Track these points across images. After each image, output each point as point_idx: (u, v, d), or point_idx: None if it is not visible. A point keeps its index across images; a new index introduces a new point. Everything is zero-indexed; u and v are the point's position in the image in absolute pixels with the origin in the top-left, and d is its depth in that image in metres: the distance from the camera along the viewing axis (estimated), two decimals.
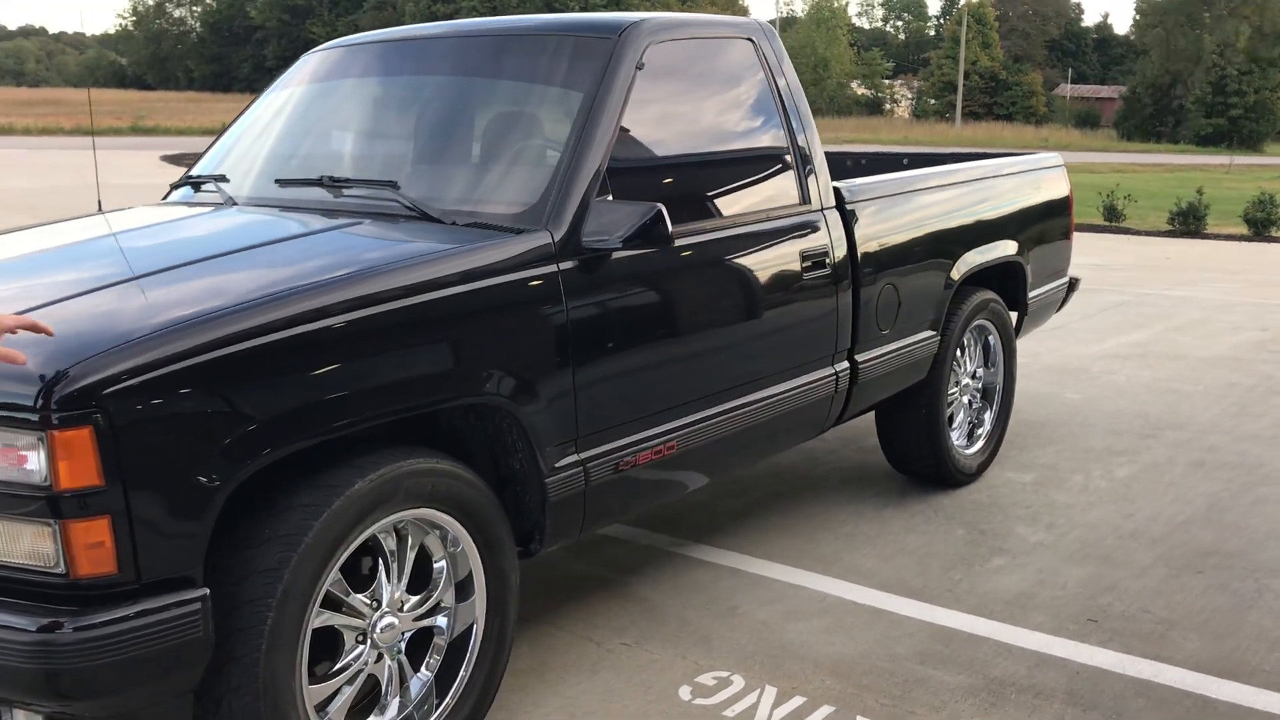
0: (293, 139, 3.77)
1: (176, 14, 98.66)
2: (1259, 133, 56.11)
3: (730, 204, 3.61)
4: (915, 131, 52.60)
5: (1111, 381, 6.87)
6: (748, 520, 4.63)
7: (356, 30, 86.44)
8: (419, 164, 3.49)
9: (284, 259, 2.83)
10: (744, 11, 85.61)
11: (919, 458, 4.82)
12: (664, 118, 3.51)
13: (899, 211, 4.37)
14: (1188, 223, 15.61)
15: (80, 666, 2.20)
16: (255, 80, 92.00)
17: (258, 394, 2.37)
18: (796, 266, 3.77)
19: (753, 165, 3.78)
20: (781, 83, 3.90)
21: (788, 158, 3.86)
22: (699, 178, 3.59)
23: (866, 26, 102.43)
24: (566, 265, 3.03)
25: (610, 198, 3.16)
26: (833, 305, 3.96)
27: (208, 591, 2.32)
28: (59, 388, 2.16)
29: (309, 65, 4.07)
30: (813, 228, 3.88)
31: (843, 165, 6.13)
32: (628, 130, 3.31)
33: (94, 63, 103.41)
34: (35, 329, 2.23)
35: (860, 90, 75.06)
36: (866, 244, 4.12)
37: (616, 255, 3.14)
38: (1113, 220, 16.13)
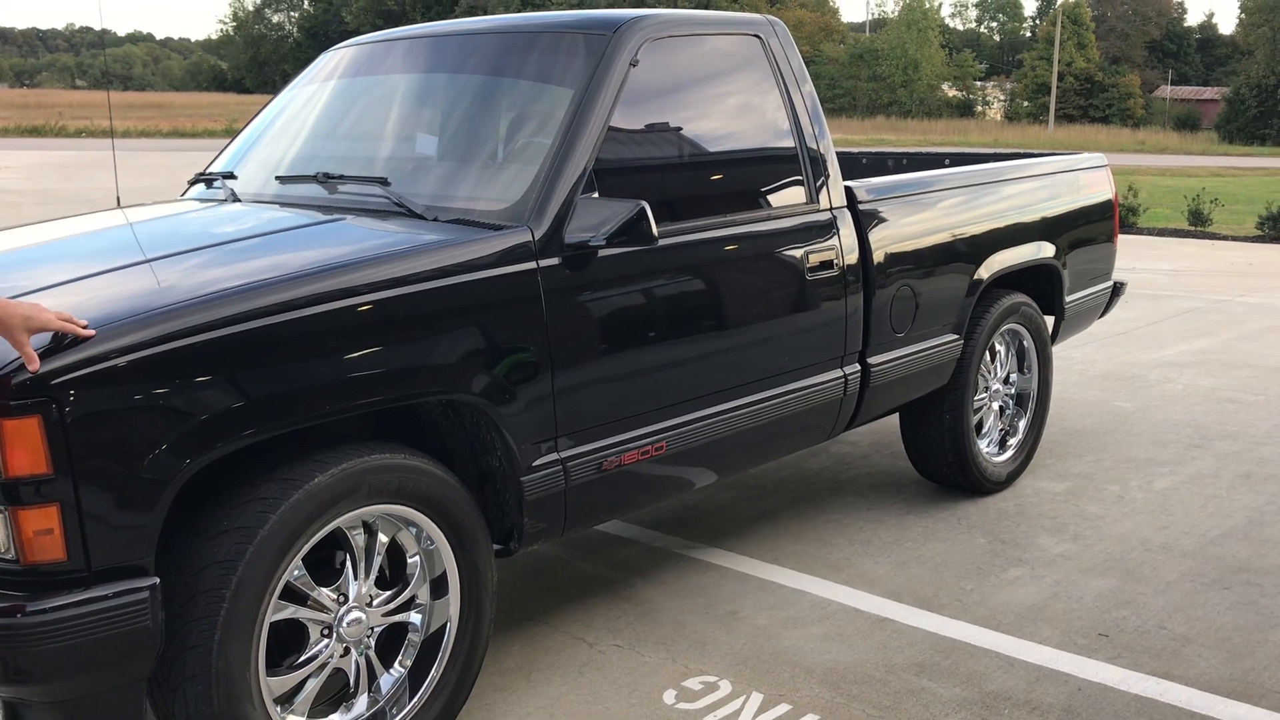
0: (297, 136, 3.81)
1: (275, 19, 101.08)
2: None
3: (728, 203, 3.55)
4: (1007, 134, 51.57)
5: (1167, 390, 6.65)
6: (764, 524, 4.56)
7: None
8: (411, 160, 3.51)
9: (252, 253, 2.85)
10: (834, 13, 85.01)
11: (943, 464, 4.71)
12: (661, 115, 3.47)
13: (916, 211, 4.27)
14: (1278, 228, 15.05)
15: (28, 651, 2.24)
16: None
17: (208, 388, 2.39)
18: (799, 266, 3.71)
19: (754, 164, 3.72)
20: (790, 81, 3.84)
21: (794, 157, 3.79)
22: (695, 176, 3.54)
23: (960, 28, 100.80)
24: (548, 263, 3.01)
25: (596, 195, 3.14)
26: (841, 306, 3.88)
27: (157, 581, 2.35)
28: (8, 377, 2.20)
29: (319, 65, 4.12)
30: (820, 228, 3.81)
31: (884, 165, 6.04)
32: (620, 128, 3.28)
33: (196, 67, 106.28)
34: (74, 329, 2.27)
35: (951, 92, 73.92)
36: (880, 244, 4.04)
37: (604, 254, 3.12)
38: (1198, 225, 15.64)
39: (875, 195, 4.08)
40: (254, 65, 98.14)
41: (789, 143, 3.79)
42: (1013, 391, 5.03)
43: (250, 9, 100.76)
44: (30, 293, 2.55)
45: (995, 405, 4.92)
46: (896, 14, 76.71)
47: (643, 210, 3.01)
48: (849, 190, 3.98)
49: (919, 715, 3.14)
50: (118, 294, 2.54)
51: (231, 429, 2.42)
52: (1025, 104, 67.00)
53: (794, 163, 3.79)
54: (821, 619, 3.74)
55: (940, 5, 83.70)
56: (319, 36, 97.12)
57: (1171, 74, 76.44)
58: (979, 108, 74.34)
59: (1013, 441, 5.02)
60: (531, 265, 2.98)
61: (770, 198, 3.70)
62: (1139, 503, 4.79)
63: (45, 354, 2.24)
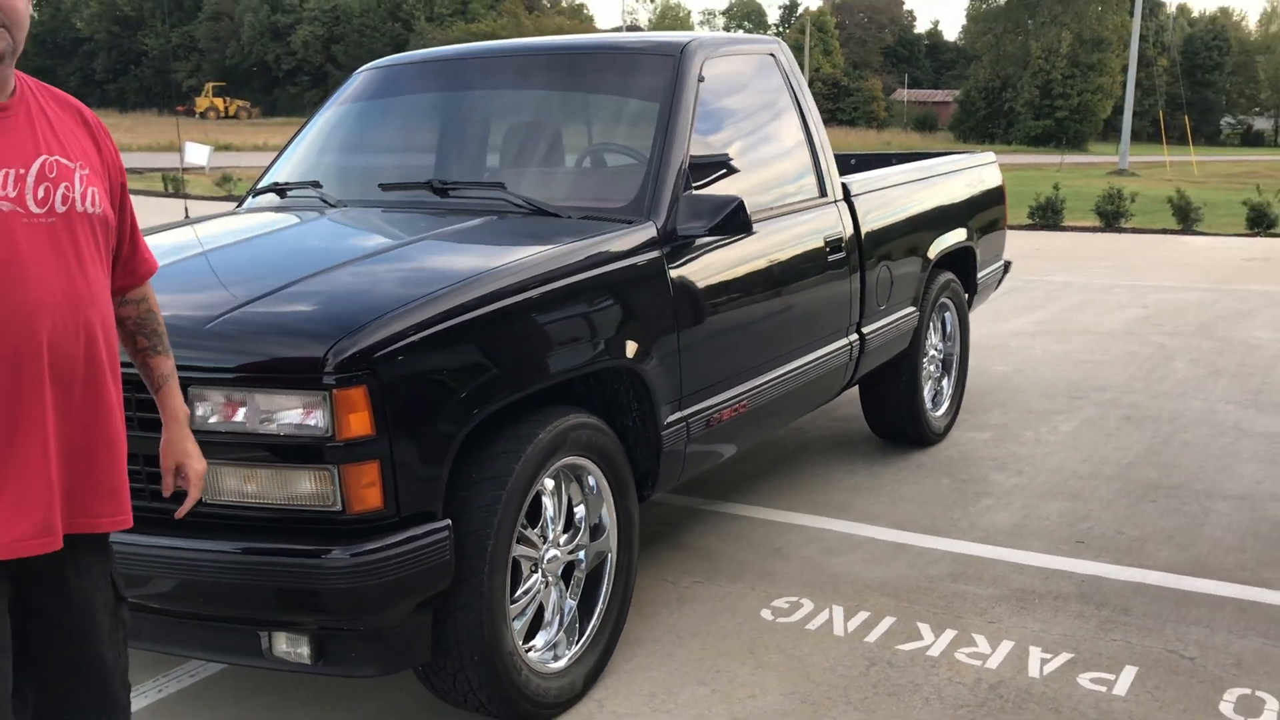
0: (380, 148, 4.19)
1: None
2: (1083, 133, 59.81)
3: (775, 196, 4.18)
4: None
5: (1030, 355, 7.70)
6: (761, 481, 5.21)
7: (192, 41, 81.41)
8: (514, 167, 3.97)
9: (468, 246, 3.29)
10: (590, 19, 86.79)
11: (899, 420, 5.48)
12: (719, 122, 4.06)
13: (890, 203, 5.02)
14: (1046, 216, 16.88)
15: (355, 587, 2.62)
16: (85, 93, 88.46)
17: (486, 355, 2.85)
18: (825, 250, 4.37)
19: (787, 162, 4.37)
20: (799, 90, 4.50)
21: (808, 155, 4.45)
22: (752, 173, 4.14)
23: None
24: (666, 250, 3.56)
25: (694, 192, 3.70)
26: (848, 284, 4.57)
27: (450, 522, 2.78)
28: (340, 353, 2.59)
29: (371, 81, 4.47)
30: (832, 217, 4.48)
31: None
32: (696, 133, 3.84)
33: None
34: None
35: None
36: (867, 231, 4.75)
37: (700, 241, 3.68)
38: None
39: (862, 189, 4.79)
40: None
41: (805, 141, 4.45)
42: (941, 357, 5.85)
43: None
44: (285, 287, 2.91)
45: (931, 368, 5.73)
46: (649, 23, 79.02)
47: (741, 203, 3.60)
48: (844, 185, 4.67)
49: (973, 609, 3.85)
50: (391, 281, 2.93)
51: (497, 391, 2.88)
52: None
53: (809, 159, 4.45)
54: (852, 548, 4.41)
55: (689, 14, 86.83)
56: (47, 45, 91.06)
57: (907, 78, 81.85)
58: None
59: (943, 399, 5.85)
60: (657, 252, 3.52)
61: (799, 191, 4.35)
62: (1054, 443, 5.70)
63: (365, 332, 2.63)
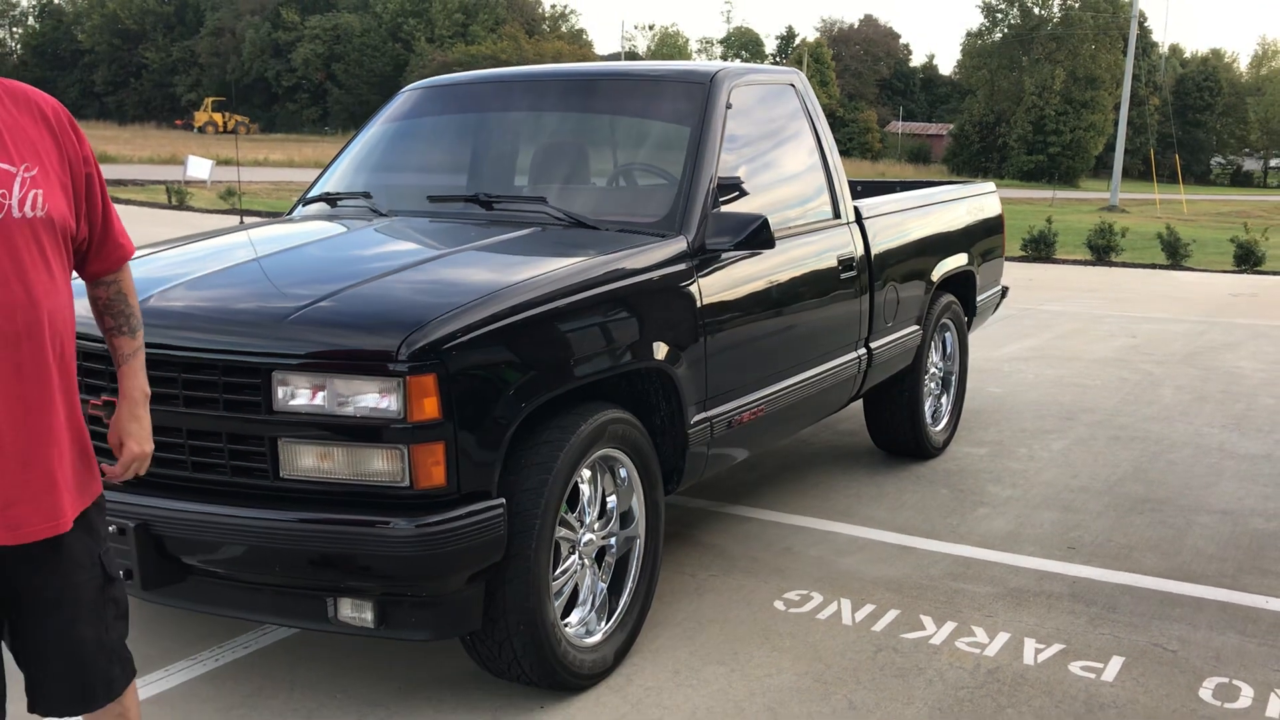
0: (430, 162, 4.48)
1: None
2: (1075, 169, 60.44)
3: (794, 216, 4.48)
4: None
5: (1023, 378, 8.01)
6: (771, 487, 5.49)
7: (193, 56, 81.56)
8: (554, 183, 4.25)
9: (518, 254, 3.58)
10: (589, 45, 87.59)
11: (901, 433, 5.76)
12: (744, 145, 4.36)
13: (897, 227, 5.32)
14: (1039, 249, 17.26)
15: (423, 554, 2.89)
16: (83, 106, 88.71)
17: (539, 350, 3.13)
18: (838, 268, 4.67)
19: (805, 184, 4.67)
20: (815, 117, 4.81)
21: (824, 179, 4.76)
22: (773, 193, 4.44)
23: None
24: (695, 261, 3.85)
25: (720, 209, 3.99)
26: (858, 301, 4.86)
27: (504, 501, 3.05)
28: (413, 344, 2.87)
29: (416, 100, 4.76)
30: (844, 237, 4.78)
31: None
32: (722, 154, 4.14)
33: None
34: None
35: None
36: (877, 252, 5.05)
37: (725, 255, 3.97)
38: None
39: (872, 212, 5.09)
40: None
41: (821, 166, 4.75)
42: (941, 375, 6.15)
43: None
44: (357, 285, 3.19)
45: (931, 385, 6.03)
46: (648, 51, 79.73)
47: (765, 221, 3.89)
48: (856, 208, 4.97)
49: (972, 605, 4.13)
50: (456, 280, 3.22)
51: (546, 384, 3.15)
52: None
53: (825, 183, 4.75)
54: (858, 549, 4.69)
55: (688, 42, 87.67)
56: (46, 55, 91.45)
57: (901, 110, 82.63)
58: None
59: (942, 415, 6.14)
60: (687, 264, 3.81)
61: (815, 211, 4.65)
62: (1047, 460, 5.99)
63: (436, 325, 2.91)
